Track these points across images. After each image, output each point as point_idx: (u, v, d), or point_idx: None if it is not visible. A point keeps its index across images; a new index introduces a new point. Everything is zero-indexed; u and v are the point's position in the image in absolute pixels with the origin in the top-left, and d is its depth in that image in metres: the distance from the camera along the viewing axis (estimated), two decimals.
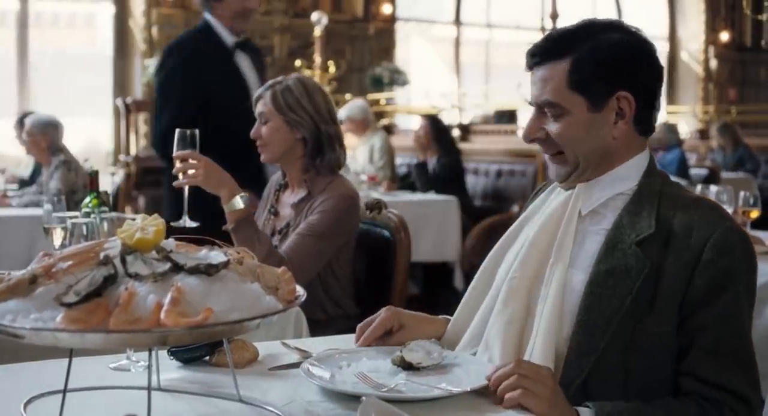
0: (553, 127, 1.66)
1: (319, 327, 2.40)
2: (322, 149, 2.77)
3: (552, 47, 1.66)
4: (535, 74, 1.68)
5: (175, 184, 2.55)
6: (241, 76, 3.94)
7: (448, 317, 1.88)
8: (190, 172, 2.54)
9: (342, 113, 7.73)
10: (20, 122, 6.55)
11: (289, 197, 2.85)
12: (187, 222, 2.54)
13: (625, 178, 1.67)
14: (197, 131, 2.58)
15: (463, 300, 1.82)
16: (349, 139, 8.04)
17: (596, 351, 1.55)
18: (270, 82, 2.83)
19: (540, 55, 1.67)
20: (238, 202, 2.57)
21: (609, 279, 1.58)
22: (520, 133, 1.92)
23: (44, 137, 5.29)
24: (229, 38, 3.98)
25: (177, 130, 2.56)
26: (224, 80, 3.86)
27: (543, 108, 1.67)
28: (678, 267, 1.55)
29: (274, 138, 2.77)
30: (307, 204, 2.74)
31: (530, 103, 1.71)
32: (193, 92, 3.77)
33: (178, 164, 2.56)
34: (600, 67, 1.63)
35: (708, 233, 1.55)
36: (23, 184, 6.04)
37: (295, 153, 2.79)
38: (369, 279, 2.89)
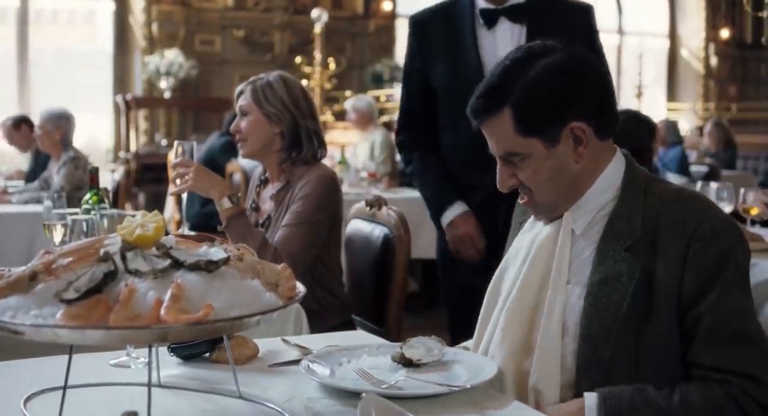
0: (521, 174, 1.65)
1: (314, 318, 2.40)
2: (300, 143, 2.79)
3: (486, 104, 1.63)
4: (485, 131, 1.66)
5: (170, 192, 2.62)
6: None
7: None
8: (183, 179, 2.61)
9: (347, 104, 7.73)
10: (16, 125, 6.54)
11: (269, 191, 2.88)
12: (185, 231, 2.60)
13: (606, 188, 1.66)
14: (194, 143, 2.71)
15: (476, 335, 1.80)
16: (351, 135, 8.05)
17: (603, 362, 1.56)
18: (251, 78, 2.86)
19: (480, 114, 1.65)
20: (227, 202, 2.63)
21: (604, 289, 1.58)
22: None
23: (57, 130, 5.30)
24: None
25: (176, 142, 2.68)
26: None
27: (504, 159, 1.66)
28: (668, 265, 1.54)
29: (252, 131, 2.80)
30: (287, 193, 2.76)
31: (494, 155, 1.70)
32: None
33: (172, 172, 2.65)
34: (540, 105, 1.60)
35: (693, 226, 1.55)
36: (29, 178, 6.01)
37: (274, 147, 2.81)
38: (369, 276, 2.88)
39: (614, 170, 1.67)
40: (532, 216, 1.77)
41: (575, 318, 1.60)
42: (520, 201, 1.73)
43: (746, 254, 1.59)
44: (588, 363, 1.57)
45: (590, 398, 1.52)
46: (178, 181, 2.62)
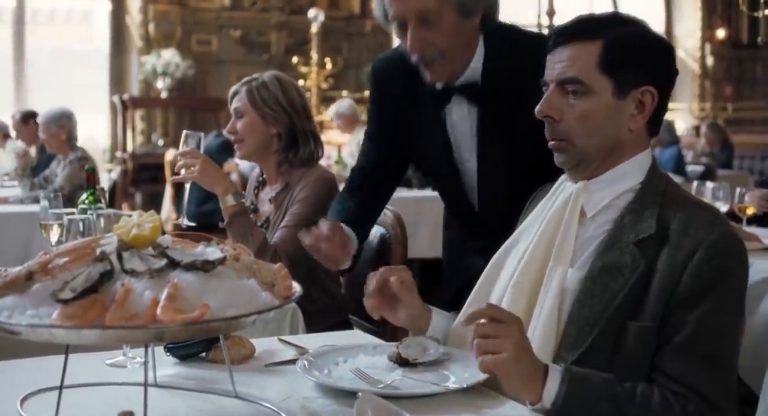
0: (572, 108, 1.63)
1: (311, 318, 2.40)
2: (296, 144, 2.79)
3: (584, 27, 1.65)
4: (561, 53, 1.64)
5: (172, 179, 2.59)
6: None
7: (440, 310, 1.86)
8: (189, 169, 2.60)
9: (331, 111, 7.75)
10: (24, 119, 6.55)
11: (267, 193, 2.88)
12: (184, 222, 2.61)
13: (627, 176, 1.66)
14: (202, 134, 2.68)
15: (466, 305, 1.79)
16: (341, 137, 8.07)
17: (581, 347, 1.55)
18: (246, 78, 2.85)
19: (570, 33, 1.64)
20: (231, 199, 2.63)
21: (603, 276, 1.57)
22: None
23: (62, 130, 5.30)
24: None
25: (184, 132, 2.68)
26: None
27: (564, 86, 1.63)
28: (671, 265, 1.54)
29: (249, 133, 2.79)
30: (286, 196, 2.76)
31: (545, 83, 1.68)
32: None
33: (179, 161, 2.64)
34: (633, 54, 1.62)
35: (704, 234, 1.54)
36: (34, 173, 5.98)
37: (270, 148, 2.81)
38: (365, 276, 2.88)
39: (641, 161, 1.67)
40: (545, 197, 1.77)
41: (572, 301, 1.60)
42: (550, 142, 1.68)
43: (746, 276, 1.59)
44: (567, 343, 1.57)
45: (555, 374, 1.48)
46: (183, 171, 2.62)
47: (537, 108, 1.66)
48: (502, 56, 2.14)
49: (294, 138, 2.79)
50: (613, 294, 1.55)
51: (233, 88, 2.86)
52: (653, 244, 1.56)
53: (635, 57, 1.62)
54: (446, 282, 2.61)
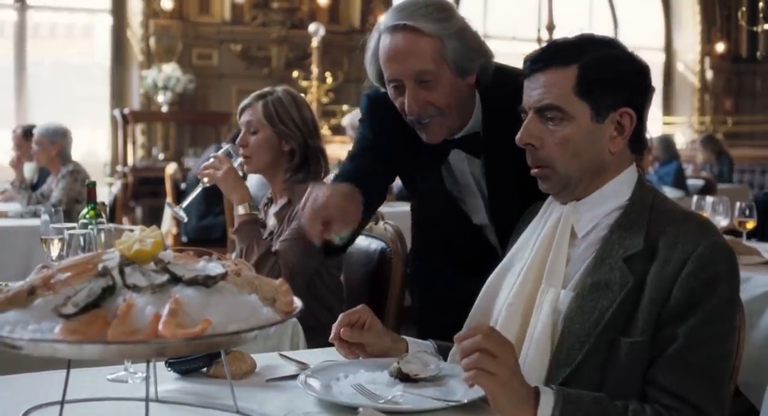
0: (552, 135, 1.64)
1: (312, 334, 2.40)
2: (307, 162, 2.80)
3: (559, 53, 1.66)
4: (537, 80, 1.66)
5: (197, 172, 2.75)
6: None
7: (416, 340, 1.87)
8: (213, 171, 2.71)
9: (345, 121, 7.74)
10: (25, 135, 6.55)
11: (273, 209, 2.90)
12: (180, 212, 2.72)
13: (615, 194, 1.67)
14: (236, 148, 2.80)
15: (465, 325, 1.79)
16: (340, 150, 8.07)
17: (573, 364, 1.55)
18: (258, 92, 2.85)
19: (545, 60, 1.66)
20: (246, 208, 2.69)
21: (593, 293, 1.58)
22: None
23: (54, 145, 5.31)
24: None
25: (226, 145, 2.86)
26: None
27: (543, 113, 1.65)
28: (660, 279, 1.54)
29: (261, 149, 2.80)
30: (289, 210, 2.77)
31: (523, 110, 1.69)
32: None
33: (209, 161, 2.75)
34: (608, 77, 1.63)
35: (692, 247, 1.54)
36: (33, 188, 5.99)
37: (281, 165, 2.83)
38: (365, 290, 2.89)
39: (627, 178, 1.68)
40: (537, 214, 1.78)
41: (562, 319, 1.60)
42: (532, 169, 1.70)
43: (736, 283, 1.59)
44: (558, 361, 1.57)
45: (547, 397, 1.46)
46: (208, 171, 2.71)
47: (517, 136, 1.68)
48: (500, 105, 2.08)
49: (306, 156, 2.81)
50: (603, 311, 1.56)
51: (244, 101, 2.87)
52: (642, 260, 1.57)
53: (611, 80, 1.64)
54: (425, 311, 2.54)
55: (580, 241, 1.67)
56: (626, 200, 1.66)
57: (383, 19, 2.07)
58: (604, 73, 1.63)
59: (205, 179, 2.73)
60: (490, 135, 2.14)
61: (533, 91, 1.66)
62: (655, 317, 1.53)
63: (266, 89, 2.87)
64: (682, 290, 1.52)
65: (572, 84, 1.62)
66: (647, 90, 1.69)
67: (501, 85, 2.07)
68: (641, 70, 1.68)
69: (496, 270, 1.80)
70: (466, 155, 2.19)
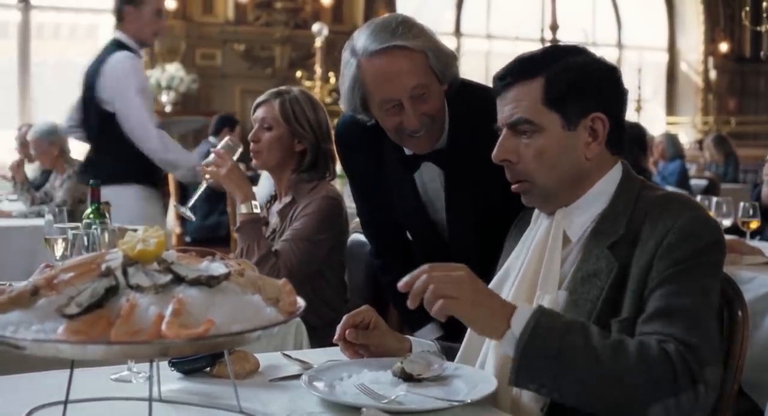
0: (526, 148, 1.66)
1: (316, 333, 2.40)
2: (317, 164, 2.80)
3: (523, 68, 1.68)
4: (506, 96, 1.68)
5: (201, 168, 2.73)
6: None
7: (419, 340, 1.88)
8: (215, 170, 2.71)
9: None
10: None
11: (277, 206, 2.90)
12: (187, 212, 2.74)
13: (603, 194, 1.68)
14: (241, 148, 2.80)
15: (466, 336, 1.78)
16: None
17: None
18: (276, 89, 2.86)
19: (511, 75, 1.68)
20: (248, 206, 2.69)
21: (584, 285, 1.59)
22: None
23: (53, 145, 5.29)
24: None
25: (227, 137, 2.86)
26: None
27: (515, 128, 1.67)
28: (642, 259, 1.55)
29: (274, 146, 2.81)
30: (291, 209, 2.79)
31: (498, 128, 1.71)
32: None
33: (210, 158, 2.74)
34: (574, 85, 1.64)
35: (672, 221, 1.55)
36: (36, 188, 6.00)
37: (290, 164, 2.84)
38: (369, 290, 2.89)
39: (612, 178, 1.69)
40: (528, 226, 1.78)
41: None
42: (512, 185, 1.71)
43: (722, 251, 1.58)
44: None
45: (524, 309, 1.48)
46: (210, 169, 2.70)
47: (493, 153, 1.70)
48: (464, 117, 2.18)
49: (316, 157, 2.82)
50: (594, 301, 1.57)
51: (260, 98, 2.87)
52: (626, 245, 1.58)
53: (578, 87, 1.64)
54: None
55: (575, 245, 1.68)
56: (612, 195, 1.67)
57: (360, 46, 2.08)
58: (570, 81, 1.64)
59: (207, 176, 2.74)
60: (453, 147, 2.21)
61: (504, 107, 1.68)
62: (639, 294, 1.54)
63: (282, 88, 2.88)
64: (663, 260, 1.52)
65: (539, 95, 1.64)
66: (618, 93, 1.69)
67: (462, 98, 2.16)
68: (609, 74, 1.68)
69: (493, 281, 1.80)
70: (438, 170, 2.25)
